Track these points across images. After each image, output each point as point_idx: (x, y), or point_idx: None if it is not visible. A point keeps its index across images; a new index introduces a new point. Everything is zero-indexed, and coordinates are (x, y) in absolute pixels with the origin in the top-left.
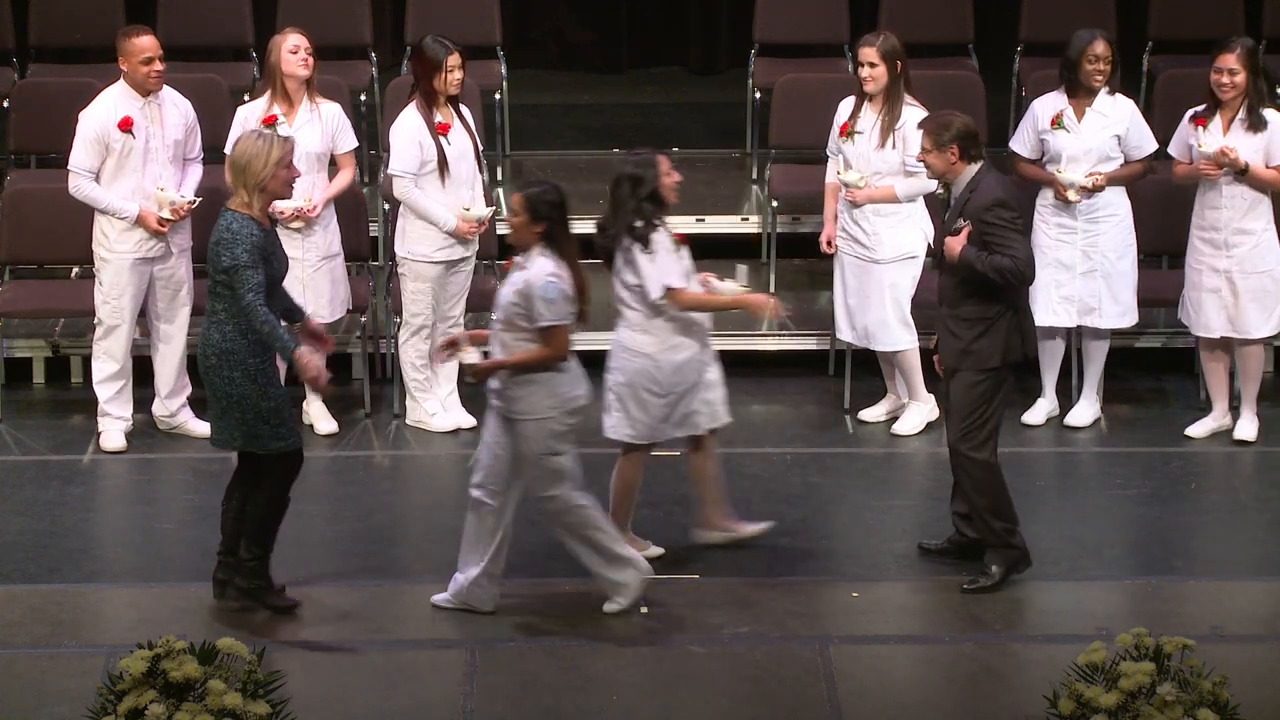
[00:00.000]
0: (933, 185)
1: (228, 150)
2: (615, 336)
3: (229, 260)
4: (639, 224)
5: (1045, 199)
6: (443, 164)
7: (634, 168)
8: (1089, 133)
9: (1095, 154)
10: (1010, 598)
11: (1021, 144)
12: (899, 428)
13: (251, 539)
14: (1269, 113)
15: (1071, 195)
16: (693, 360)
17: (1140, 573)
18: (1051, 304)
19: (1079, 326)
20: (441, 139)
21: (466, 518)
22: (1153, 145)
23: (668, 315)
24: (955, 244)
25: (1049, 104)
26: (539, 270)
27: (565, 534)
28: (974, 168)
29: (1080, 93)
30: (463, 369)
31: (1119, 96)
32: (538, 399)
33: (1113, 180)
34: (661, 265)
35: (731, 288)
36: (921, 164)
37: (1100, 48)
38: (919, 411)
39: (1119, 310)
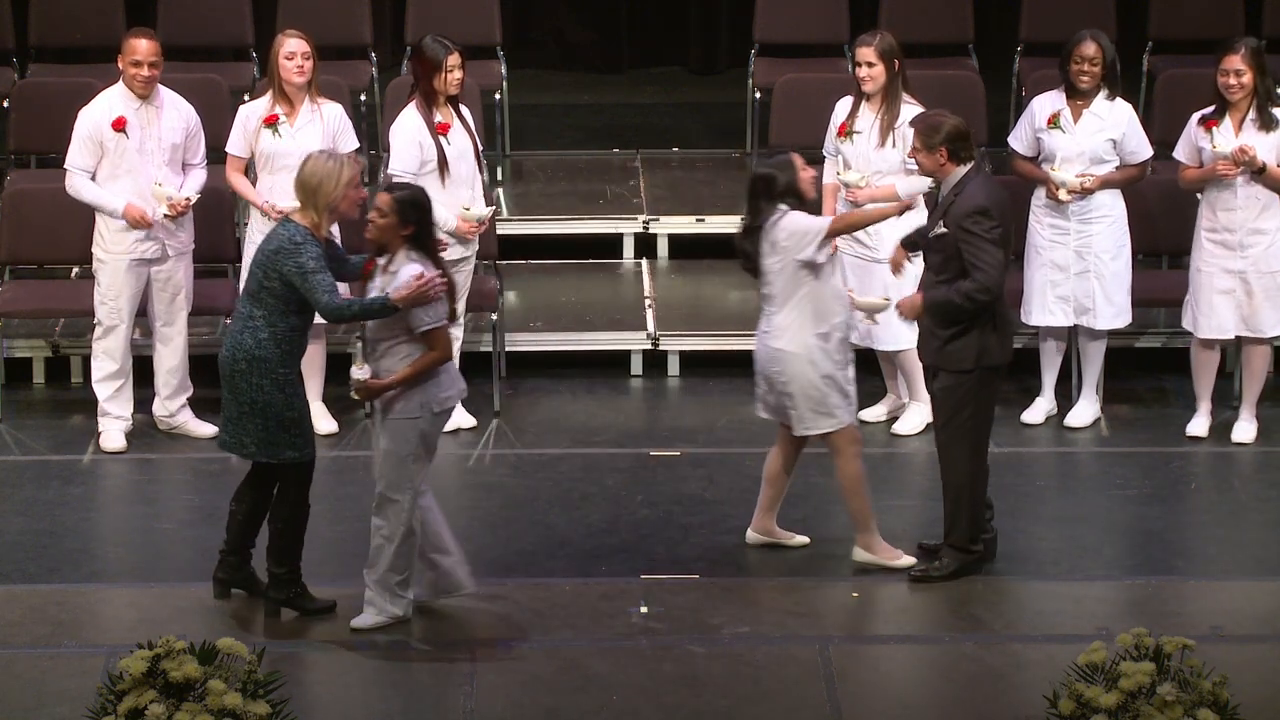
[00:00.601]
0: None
1: (229, 150)
2: (768, 344)
3: (294, 268)
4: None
5: (1039, 199)
6: (442, 164)
7: (768, 168)
8: (1083, 135)
9: (1088, 156)
10: (1010, 598)
11: (1019, 141)
12: (899, 427)
13: (281, 553)
14: (1279, 111)
15: (1062, 195)
16: (844, 341)
17: (1140, 573)
18: (1047, 304)
19: (1076, 327)
20: (441, 139)
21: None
22: (1148, 152)
23: (802, 305)
24: (911, 305)
25: (1047, 102)
26: (408, 275)
27: (380, 533)
28: (963, 169)
29: (1077, 94)
30: (351, 384)
31: (1119, 101)
32: (411, 399)
33: (1106, 183)
34: (805, 220)
35: (875, 303)
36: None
37: (1088, 49)
38: (919, 412)
39: (1114, 311)
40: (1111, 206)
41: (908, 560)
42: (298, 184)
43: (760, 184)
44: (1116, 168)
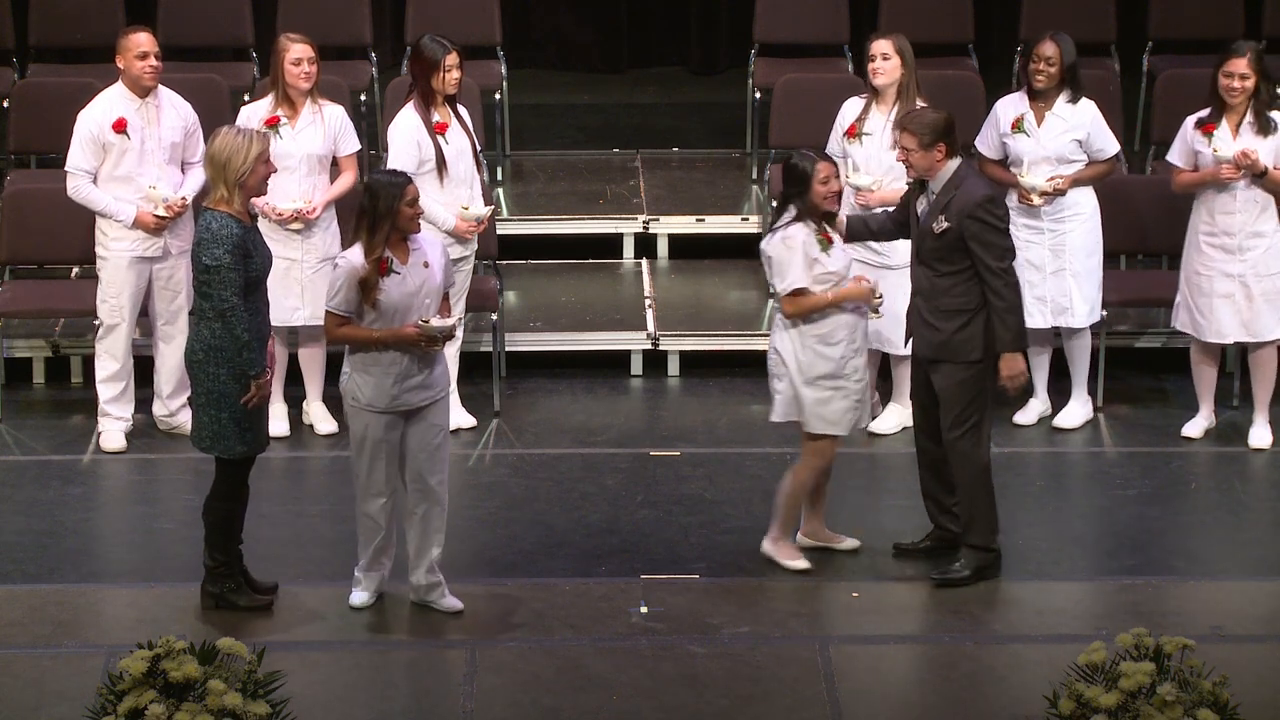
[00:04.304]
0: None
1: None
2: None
3: (210, 260)
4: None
5: (1011, 200)
6: (441, 163)
7: (795, 159)
8: (1048, 137)
9: (1055, 158)
10: (1010, 598)
11: (985, 144)
12: (877, 425)
13: (214, 545)
14: (1276, 115)
15: (1035, 200)
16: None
17: (1140, 573)
18: (1026, 305)
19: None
20: (439, 138)
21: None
22: (1115, 148)
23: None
24: (1012, 370)
25: (1010, 106)
26: (439, 246)
27: (429, 516)
28: (955, 163)
29: (1038, 96)
30: (440, 334)
31: (1083, 101)
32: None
33: (1077, 181)
34: (790, 257)
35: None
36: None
37: (1046, 49)
38: (897, 413)
39: (1089, 309)
40: (1084, 204)
41: (804, 564)
42: (206, 159)
43: (786, 172)
44: (1085, 164)
